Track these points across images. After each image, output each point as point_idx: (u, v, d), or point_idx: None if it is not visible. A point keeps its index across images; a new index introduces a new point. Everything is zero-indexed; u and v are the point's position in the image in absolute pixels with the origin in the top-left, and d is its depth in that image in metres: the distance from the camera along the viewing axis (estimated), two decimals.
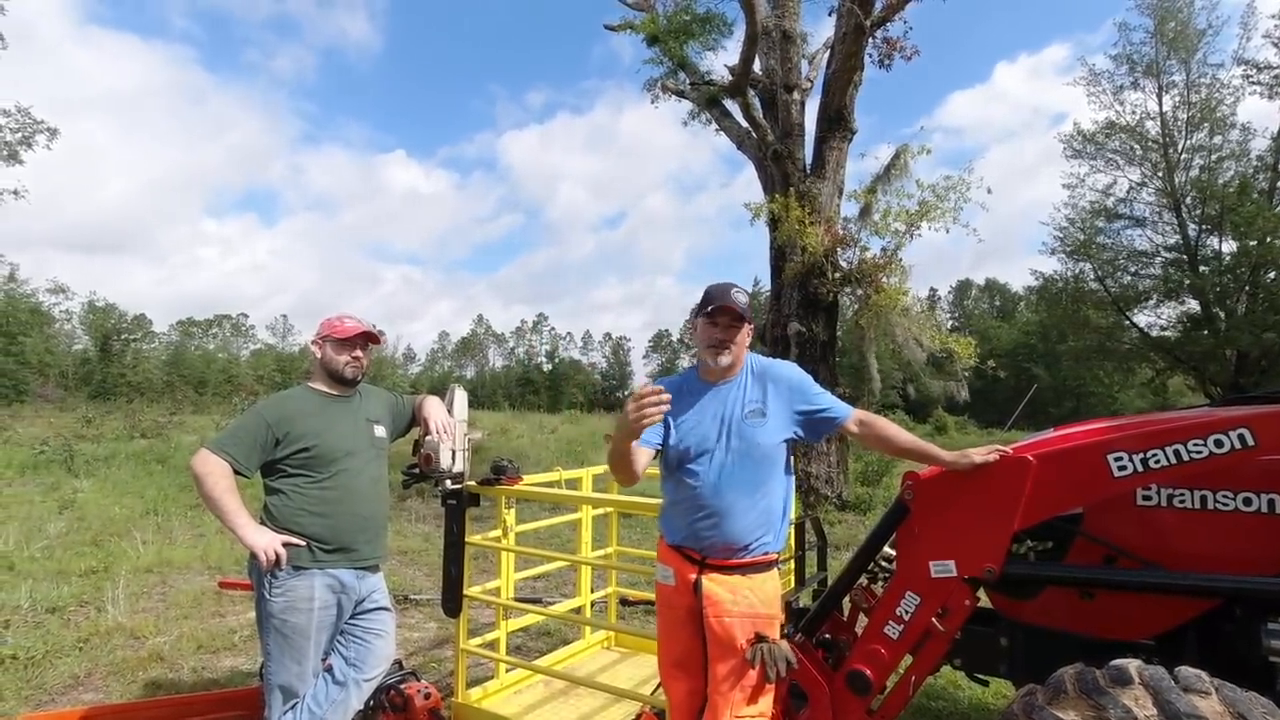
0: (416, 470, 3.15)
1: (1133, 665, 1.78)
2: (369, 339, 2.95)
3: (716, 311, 2.26)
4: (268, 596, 2.68)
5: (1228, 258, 20.22)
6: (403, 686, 3.20)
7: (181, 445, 15.11)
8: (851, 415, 2.36)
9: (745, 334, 2.31)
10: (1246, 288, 19.61)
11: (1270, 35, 19.46)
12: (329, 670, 2.81)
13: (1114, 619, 2.28)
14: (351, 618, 2.87)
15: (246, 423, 2.76)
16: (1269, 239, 18.36)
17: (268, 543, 2.62)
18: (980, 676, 2.73)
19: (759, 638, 2.20)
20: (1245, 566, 2.07)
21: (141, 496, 10.24)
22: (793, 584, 3.40)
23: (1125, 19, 21.04)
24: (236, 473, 2.67)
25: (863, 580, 2.69)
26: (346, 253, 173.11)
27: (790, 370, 2.40)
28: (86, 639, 4.75)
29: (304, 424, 2.78)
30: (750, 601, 2.22)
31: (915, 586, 2.32)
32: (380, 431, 3.02)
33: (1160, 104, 20.78)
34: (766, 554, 2.28)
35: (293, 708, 2.71)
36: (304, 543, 2.70)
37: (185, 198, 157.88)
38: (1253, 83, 19.90)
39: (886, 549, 2.61)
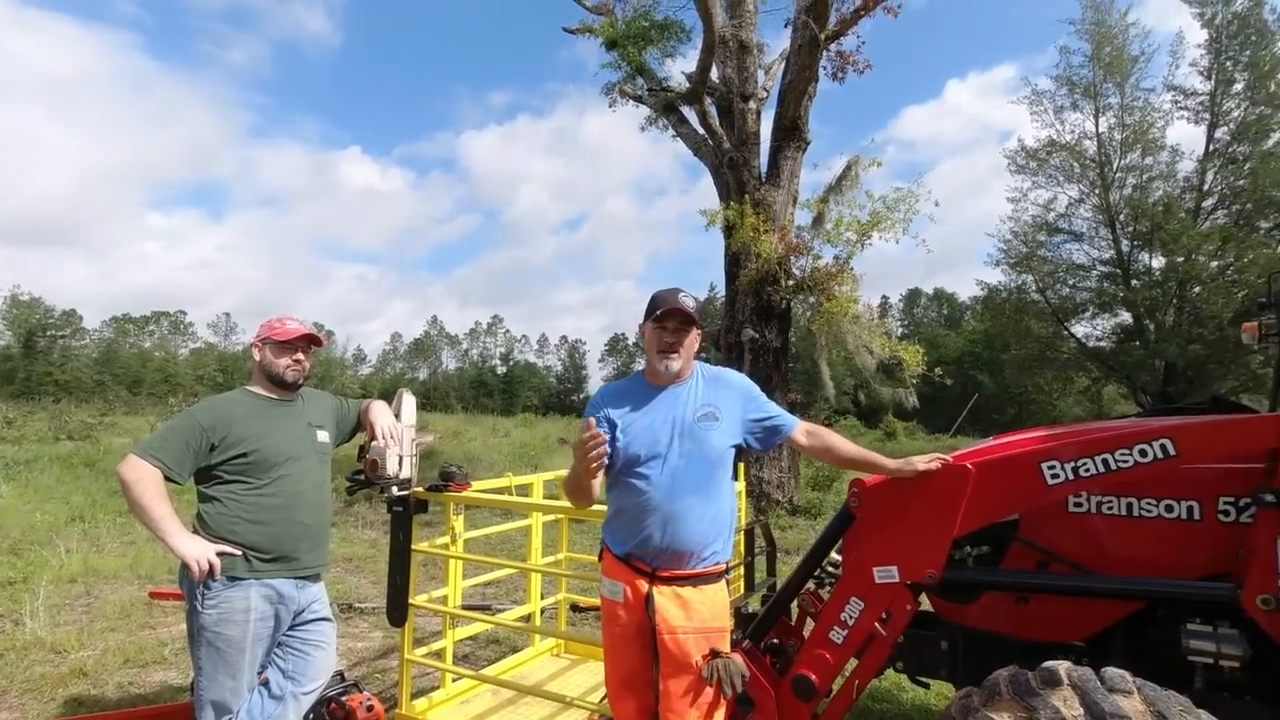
0: (362, 476, 3.08)
1: (1062, 667, 1.84)
2: (311, 341, 2.87)
3: (665, 315, 2.24)
4: (200, 609, 2.57)
5: (1157, 273, 21.24)
6: (344, 699, 3.11)
7: (112, 448, 14.43)
8: (798, 426, 2.39)
9: (694, 338, 2.30)
10: (1174, 301, 20.63)
11: (1196, 64, 20.62)
12: (265, 684, 2.72)
13: (1047, 622, 2.36)
14: (290, 629, 2.78)
15: (179, 427, 2.65)
16: (1194, 255, 19.36)
17: (200, 552, 2.52)
18: (922, 679, 2.79)
19: (714, 653, 2.17)
20: (1168, 570, 2.16)
21: (67, 502, 9.73)
22: (742, 590, 3.43)
23: (1066, 43, 22.00)
24: (168, 479, 2.56)
25: (810, 585, 2.72)
26: (298, 250, 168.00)
27: (741, 378, 2.44)
28: (1, 654, 4.49)
29: (242, 428, 2.69)
30: (703, 616, 2.19)
31: (860, 592, 2.36)
32: (324, 436, 2.94)
33: (1097, 125, 21.72)
34: (718, 563, 2.26)
35: None
36: (240, 552, 2.60)
37: (128, 190, 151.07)
38: (1180, 108, 21.02)
39: (833, 555, 2.65)
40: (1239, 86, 19.94)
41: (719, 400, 2.30)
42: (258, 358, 2.85)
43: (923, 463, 2.29)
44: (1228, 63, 19.96)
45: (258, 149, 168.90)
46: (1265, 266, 16.48)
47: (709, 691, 2.16)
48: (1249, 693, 2.05)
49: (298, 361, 2.83)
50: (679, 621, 2.16)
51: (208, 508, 2.66)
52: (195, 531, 2.62)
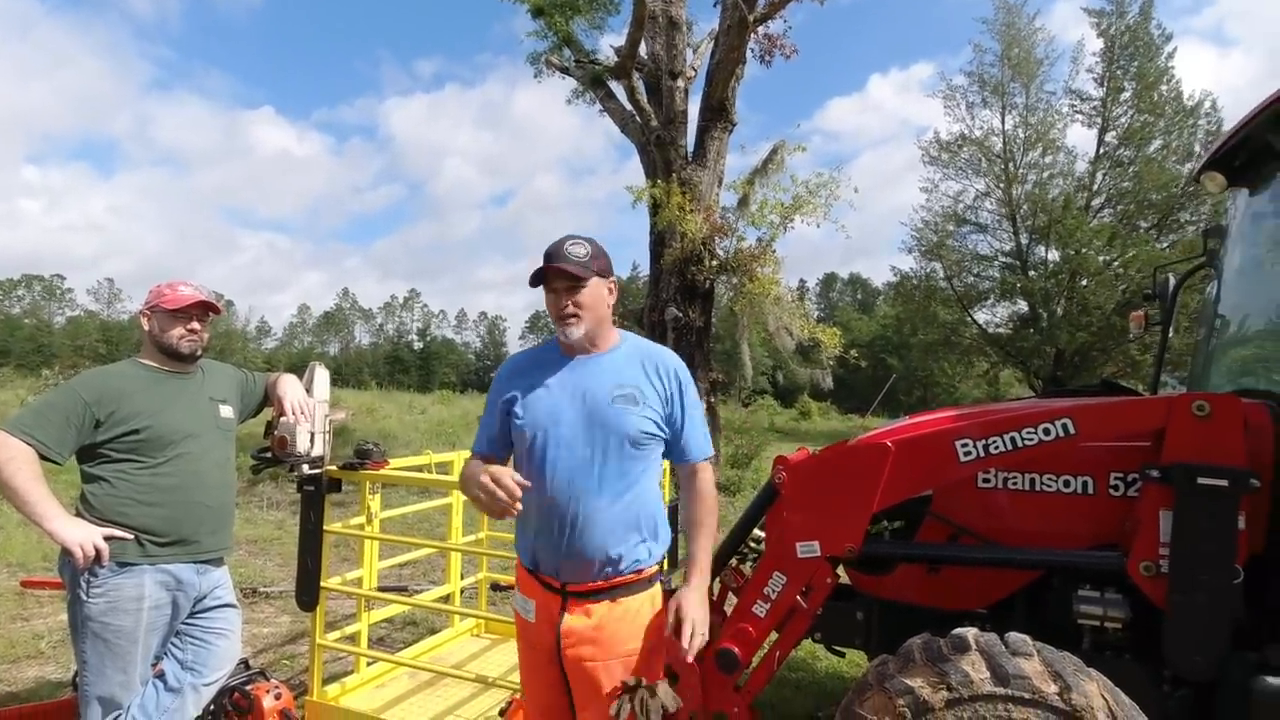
0: (269, 454, 2.90)
1: (970, 633, 1.94)
2: (207, 309, 2.65)
3: (551, 276, 1.86)
4: (85, 598, 2.37)
5: (1052, 264, 22.77)
6: (249, 688, 2.95)
7: None
8: (705, 460, 2.03)
9: (595, 292, 1.89)
10: (1065, 292, 22.19)
11: (1092, 70, 22.05)
12: (160, 676, 2.54)
13: (956, 591, 2.48)
14: (190, 616, 2.61)
15: (58, 401, 2.41)
16: (1084, 250, 20.87)
17: (84, 536, 2.31)
18: (838, 648, 2.90)
19: (625, 686, 1.82)
20: (1063, 541, 2.31)
21: None
22: (665, 567, 3.45)
23: (980, 40, 23.05)
24: (44, 458, 2.32)
25: (733, 561, 2.77)
26: (201, 215, 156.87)
27: (679, 364, 2.03)
28: None
29: (133, 403, 2.47)
30: (620, 637, 1.86)
31: (782, 566, 2.40)
32: (227, 411, 2.74)
33: (1003, 122, 22.96)
34: (640, 569, 1.91)
35: (116, 719, 2.42)
36: (131, 536, 2.40)
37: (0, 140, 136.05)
38: (1076, 111, 22.50)
39: (756, 531, 2.70)
40: (1127, 95, 21.50)
41: (644, 384, 1.92)
42: (146, 327, 2.62)
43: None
44: (1118, 71, 21.47)
45: (157, 103, 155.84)
46: (1146, 262, 17.94)
47: None
48: (1128, 651, 2.22)
49: (193, 331, 2.61)
50: (586, 649, 1.85)
51: (93, 488, 2.43)
52: (78, 514, 2.40)
